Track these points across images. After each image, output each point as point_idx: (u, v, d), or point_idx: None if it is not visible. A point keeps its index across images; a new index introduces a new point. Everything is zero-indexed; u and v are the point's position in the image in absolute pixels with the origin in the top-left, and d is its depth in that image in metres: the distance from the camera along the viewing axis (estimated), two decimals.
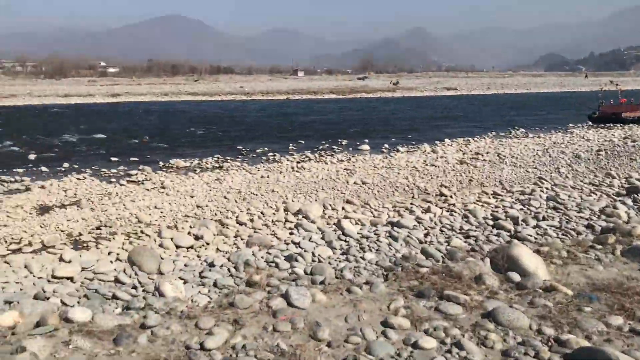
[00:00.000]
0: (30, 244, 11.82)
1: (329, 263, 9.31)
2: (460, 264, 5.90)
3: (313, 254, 9.79)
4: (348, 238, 10.91)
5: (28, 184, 17.62)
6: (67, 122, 40.09)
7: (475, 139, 28.58)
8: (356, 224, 12.33)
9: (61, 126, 37.05)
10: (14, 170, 20.07)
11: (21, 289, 8.27)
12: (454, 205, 13.97)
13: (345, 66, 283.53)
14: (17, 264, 10.12)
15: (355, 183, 17.29)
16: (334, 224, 12.41)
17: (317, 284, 6.34)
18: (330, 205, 14.24)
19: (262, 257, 9.72)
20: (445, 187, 16.42)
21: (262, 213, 13.68)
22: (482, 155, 22.20)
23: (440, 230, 11.42)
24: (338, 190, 16.46)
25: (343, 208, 14.01)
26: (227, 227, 12.50)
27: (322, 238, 10.89)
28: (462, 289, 5.20)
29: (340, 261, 9.47)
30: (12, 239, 12.11)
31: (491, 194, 15.25)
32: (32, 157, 23.30)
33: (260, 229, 12.42)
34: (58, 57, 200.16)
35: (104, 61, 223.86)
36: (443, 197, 15.08)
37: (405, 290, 5.31)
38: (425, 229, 11.59)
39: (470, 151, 23.77)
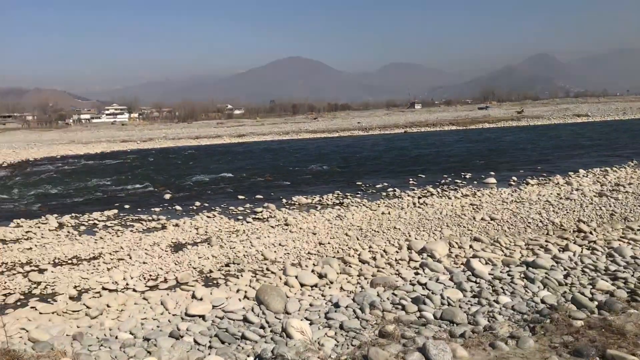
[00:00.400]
0: (165, 280, 12.44)
1: (460, 307, 8.78)
2: (622, 316, 5.20)
3: (442, 296, 9.30)
4: (479, 279, 10.28)
5: (164, 222, 18.76)
6: (198, 163, 42.70)
7: (614, 168, 26.29)
8: (486, 263, 11.64)
9: (193, 166, 39.51)
10: (152, 209, 21.52)
11: (158, 326, 8.62)
12: (594, 242, 12.80)
13: (465, 96, 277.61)
14: (154, 301, 10.65)
15: (482, 219, 16.48)
16: (462, 263, 11.83)
17: (457, 337, 5.91)
18: (456, 243, 13.64)
19: (387, 299, 9.40)
20: (584, 222, 15.13)
21: (384, 251, 13.40)
22: (624, 187, 20.29)
23: (582, 271, 10.41)
24: (464, 227, 15.76)
25: (471, 246, 13.35)
26: (350, 266, 12.36)
27: (451, 279, 10.36)
28: (627, 347, 4.53)
29: (471, 304, 8.90)
30: (150, 275, 12.82)
31: (637, 230, 13.78)
32: (167, 196, 24.91)
33: (383, 268, 12.14)
34: (190, 102, 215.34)
35: (230, 104, 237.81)
36: (582, 234, 13.88)
37: (558, 347, 4.74)
38: (565, 269, 10.63)
39: (610, 182, 21.85)
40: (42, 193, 28.49)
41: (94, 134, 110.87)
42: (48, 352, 5.89)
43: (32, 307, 10.82)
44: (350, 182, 27.41)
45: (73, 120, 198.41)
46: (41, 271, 13.34)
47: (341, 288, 10.93)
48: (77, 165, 44.58)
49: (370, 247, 13.92)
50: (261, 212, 19.84)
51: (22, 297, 11.65)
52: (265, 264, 13.21)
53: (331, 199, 22.15)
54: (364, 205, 20.22)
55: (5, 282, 12.51)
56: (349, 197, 22.44)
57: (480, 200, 19.73)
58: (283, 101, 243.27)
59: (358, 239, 14.98)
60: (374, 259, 12.87)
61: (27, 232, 17.94)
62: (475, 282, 10.20)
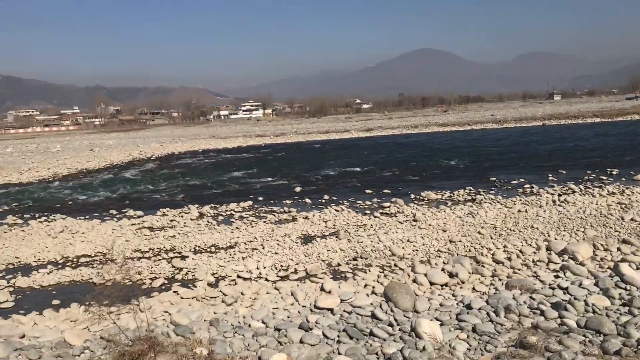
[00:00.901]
0: (296, 271, 12.74)
1: (607, 315, 7.98)
2: None
3: (586, 302, 8.50)
4: (629, 286, 9.28)
5: (294, 214, 19.27)
6: (326, 157, 43.43)
7: None
8: (638, 269, 10.51)
9: (322, 160, 40.25)
10: (283, 201, 22.23)
11: (288, 317, 8.79)
12: None
13: (611, 86, 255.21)
14: (285, 291, 10.93)
15: (632, 219, 14.96)
16: (609, 267, 10.80)
17: (611, 354, 5.35)
18: (601, 245, 12.51)
19: (524, 302, 8.79)
20: None
21: (520, 251, 12.64)
22: None
23: None
24: (611, 227, 14.41)
25: (619, 249, 12.18)
26: (483, 265, 11.80)
27: (596, 284, 9.46)
28: None
29: (621, 314, 8.05)
30: (281, 266, 13.21)
31: None
32: (297, 189, 25.59)
33: (519, 270, 11.44)
34: (319, 98, 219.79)
35: (359, 98, 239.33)
36: None
37: None
38: None
39: None
40: (185, 184, 30.60)
41: (231, 129, 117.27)
42: (186, 340, 6.20)
43: (174, 292, 11.61)
44: (482, 177, 26.30)
45: (213, 116, 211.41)
46: (183, 258, 14.28)
47: (473, 289, 10.47)
48: (216, 159, 47.34)
49: (505, 246, 13.21)
50: (389, 207, 19.66)
51: (166, 281, 12.56)
52: (393, 260, 13.05)
53: (462, 195, 21.39)
54: (498, 202, 19.28)
55: (152, 267, 13.56)
56: (481, 193, 21.52)
57: (629, 198, 17.94)
58: (412, 94, 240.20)
59: (492, 238, 14.29)
60: (509, 259, 12.19)
61: (171, 220, 19.35)
62: (625, 289, 9.22)
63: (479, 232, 14.89)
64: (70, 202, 25.77)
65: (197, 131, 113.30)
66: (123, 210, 22.03)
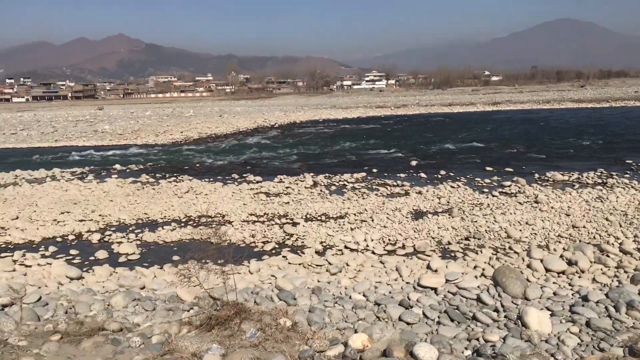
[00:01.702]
0: (403, 246, 12.57)
1: None
2: None
3: None
4: None
5: (407, 188, 18.97)
6: (447, 130, 42.19)
7: None
8: None
9: (442, 134, 39.17)
10: (397, 175, 21.95)
11: (390, 292, 8.69)
12: None
13: None
14: (390, 266, 10.82)
15: None
16: None
17: None
18: None
19: None
20: None
21: None
22: None
23: None
24: None
25: None
26: (608, 255, 10.85)
27: None
28: None
29: None
30: (389, 240, 13.08)
31: None
32: (413, 163, 25.13)
33: None
34: (445, 69, 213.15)
35: (487, 70, 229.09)
36: None
37: None
38: None
39: None
40: (303, 152, 31.27)
41: (353, 99, 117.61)
42: (271, 309, 6.31)
43: (283, 257, 11.95)
44: (617, 159, 24.12)
45: (336, 86, 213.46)
46: (294, 224, 14.63)
47: (593, 279, 9.68)
48: (335, 129, 47.81)
49: (635, 236, 12.06)
50: (509, 186, 18.69)
51: (276, 246, 12.96)
52: (508, 242, 12.43)
53: (592, 178, 19.77)
54: (632, 187, 17.59)
55: (265, 231, 14.04)
56: (614, 176, 19.74)
57: None
58: (546, 67, 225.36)
59: (621, 226, 13.08)
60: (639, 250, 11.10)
61: (287, 187, 19.89)
62: None
63: (607, 219, 13.69)
64: (197, 165, 27.36)
65: (320, 101, 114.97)
66: (244, 175, 23.02)
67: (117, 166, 26.78)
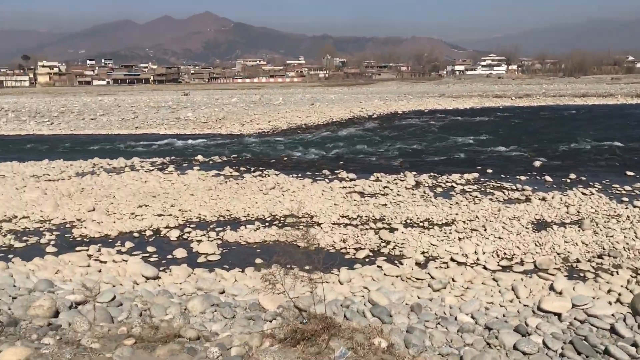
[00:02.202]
0: (522, 262, 12.17)
1: None
2: None
3: None
4: None
5: (529, 194, 18.29)
6: (581, 126, 40.34)
7: None
8: None
9: (573, 130, 37.48)
10: (517, 177, 21.24)
11: (504, 316, 8.41)
12: None
13: None
14: (505, 284, 10.50)
15: None
16: None
17: None
18: None
19: None
20: None
21: None
22: None
23: None
24: None
25: None
26: None
27: None
28: None
29: None
30: (505, 253, 12.71)
31: None
32: (537, 164, 24.20)
33: None
34: (580, 52, 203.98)
35: (632, 55, 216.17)
36: None
37: None
38: None
39: None
40: (404, 148, 31.04)
41: (466, 87, 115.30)
42: (364, 327, 6.28)
43: (378, 266, 11.92)
44: None
45: (446, 72, 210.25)
46: (392, 230, 14.55)
47: None
48: (443, 121, 47.08)
49: None
50: None
51: (370, 254, 12.95)
52: None
53: None
54: None
55: (358, 236, 14.08)
56: None
57: None
58: None
59: None
60: None
61: (384, 187, 19.82)
62: None
63: None
64: (285, 158, 27.93)
65: (426, 88, 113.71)
66: (336, 171, 23.20)
67: (200, 157, 27.87)
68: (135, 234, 14.73)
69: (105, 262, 12.34)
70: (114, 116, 54.83)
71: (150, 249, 13.44)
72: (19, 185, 20.73)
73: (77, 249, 13.42)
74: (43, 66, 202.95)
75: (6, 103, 76.94)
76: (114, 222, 15.57)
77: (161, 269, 11.88)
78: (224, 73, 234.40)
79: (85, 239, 14.38)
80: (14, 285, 8.98)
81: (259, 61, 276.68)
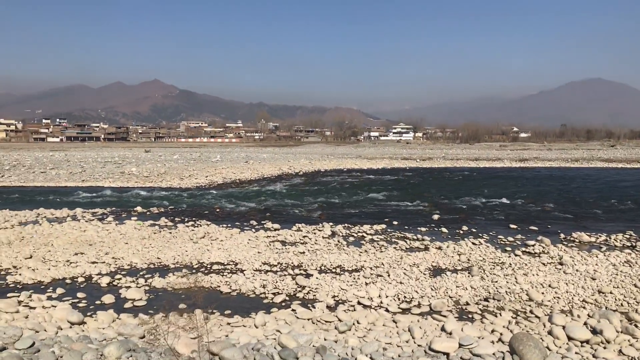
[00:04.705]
0: (419, 305, 12.05)
1: None
2: None
3: None
4: None
5: (427, 243, 18.41)
6: (473, 185, 41.56)
7: None
8: None
9: (467, 188, 38.56)
10: (418, 228, 21.44)
11: (399, 356, 8.19)
12: None
13: None
14: (403, 326, 10.31)
15: None
16: None
17: None
18: None
19: None
20: None
21: None
22: None
23: None
24: None
25: None
26: (637, 325, 10.16)
27: None
28: None
29: None
30: (405, 297, 12.58)
31: None
32: (435, 217, 24.57)
33: None
34: (474, 124, 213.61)
35: (516, 126, 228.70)
36: None
37: None
38: None
39: None
40: (324, 201, 30.98)
41: (379, 150, 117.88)
42: None
43: (292, 310, 11.50)
44: None
45: (363, 137, 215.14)
46: (308, 276, 14.21)
47: (620, 351, 8.99)
48: (359, 179, 47.57)
49: None
50: (533, 245, 18.02)
51: (287, 298, 12.52)
52: (529, 306, 11.81)
53: (620, 240, 18.98)
54: None
55: (277, 282, 13.64)
56: None
57: None
58: (576, 126, 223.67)
59: None
60: None
61: (304, 236, 19.53)
62: None
63: (636, 285, 12.97)
64: (218, 210, 27.26)
65: (346, 150, 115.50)
66: (262, 222, 22.76)
67: (139, 208, 26.82)
68: (68, 281, 13.69)
69: (34, 308, 11.33)
70: (63, 170, 52.48)
71: (80, 294, 12.48)
72: None
73: (9, 295, 12.31)
74: (0, 123, 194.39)
75: None
76: (49, 269, 14.48)
77: (88, 314, 11.02)
78: (169, 133, 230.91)
79: (18, 286, 13.24)
80: None
81: (201, 123, 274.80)
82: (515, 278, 13.81)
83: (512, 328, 10.33)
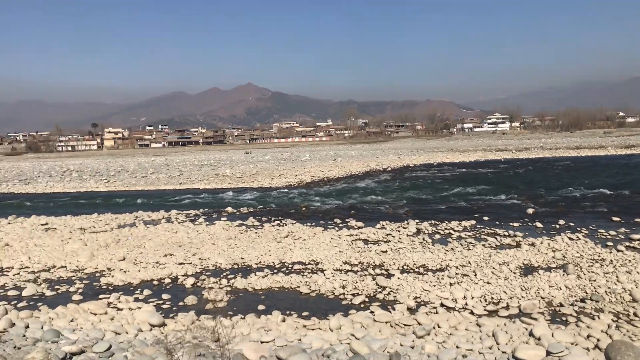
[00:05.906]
0: (507, 306, 11.26)
1: None
2: None
3: None
4: None
5: (519, 239, 17.31)
6: (572, 175, 39.00)
7: None
8: None
9: (566, 179, 36.24)
10: (510, 223, 20.24)
11: None
12: None
13: None
14: (487, 330, 9.63)
15: None
16: None
17: None
18: None
19: None
20: None
21: None
22: None
23: None
24: None
25: None
26: None
27: None
28: None
29: None
30: (492, 298, 11.81)
31: None
32: (530, 211, 23.14)
33: None
34: (575, 110, 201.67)
35: (622, 111, 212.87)
36: None
37: None
38: None
39: None
40: (411, 197, 30.22)
41: (472, 142, 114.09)
42: None
43: (371, 312, 11.11)
44: None
45: (456, 129, 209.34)
46: (389, 276, 13.74)
47: None
48: (449, 173, 46.12)
49: None
50: (639, 239, 16.41)
51: (366, 299, 12.13)
52: (633, 307, 10.65)
53: None
54: None
55: (357, 282, 13.28)
56: None
57: None
58: None
59: None
60: None
61: (387, 234, 19.01)
62: None
63: None
64: (304, 208, 27.33)
65: (437, 144, 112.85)
66: (346, 220, 22.49)
67: (229, 209, 27.45)
68: (155, 282, 14.14)
69: (121, 310, 11.74)
70: (162, 174, 55.16)
71: (165, 296, 12.80)
72: (64, 237, 20.49)
73: (100, 296, 12.89)
74: (109, 132, 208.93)
75: (72, 164, 78.59)
76: (139, 271, 15.04)
77: (170, 315, 11.27)
78: (263, 134, 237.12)
79: (110, 287, 13.84)
80: (24, 336, 8.47)
81: (293, 124, 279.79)
82: (617, 276, 12.55)
83: (611, 333, 9.33)
